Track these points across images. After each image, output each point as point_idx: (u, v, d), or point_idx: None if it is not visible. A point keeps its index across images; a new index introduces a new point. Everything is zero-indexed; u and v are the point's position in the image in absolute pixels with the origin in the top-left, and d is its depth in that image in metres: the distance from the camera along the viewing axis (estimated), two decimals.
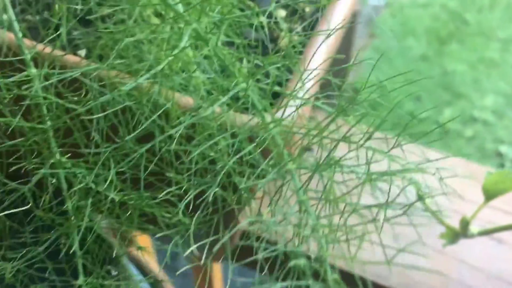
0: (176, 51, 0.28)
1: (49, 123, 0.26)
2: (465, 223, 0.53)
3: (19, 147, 0.28)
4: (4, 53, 0.31)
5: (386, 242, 0.74)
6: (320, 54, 0.34)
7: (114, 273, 0.29)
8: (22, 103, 0.27)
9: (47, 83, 0.26)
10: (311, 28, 0.44)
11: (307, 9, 0.46)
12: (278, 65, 0.29)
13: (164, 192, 0.26)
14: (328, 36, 0.32)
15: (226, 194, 0.25)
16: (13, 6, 0.35)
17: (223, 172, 0.24)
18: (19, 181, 0.28)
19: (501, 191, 0.50)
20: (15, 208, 0.27)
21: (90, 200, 0.26)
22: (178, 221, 0.29)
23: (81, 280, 0.28)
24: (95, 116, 0.25)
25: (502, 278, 0.70)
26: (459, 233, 0.54)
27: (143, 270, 0.76)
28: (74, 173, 0.27)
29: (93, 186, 0.26)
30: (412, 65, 3.04)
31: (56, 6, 0.31)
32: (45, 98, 0.26)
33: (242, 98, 0.27)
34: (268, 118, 0.25)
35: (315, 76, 0.31)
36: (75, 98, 0.28)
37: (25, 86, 0.27)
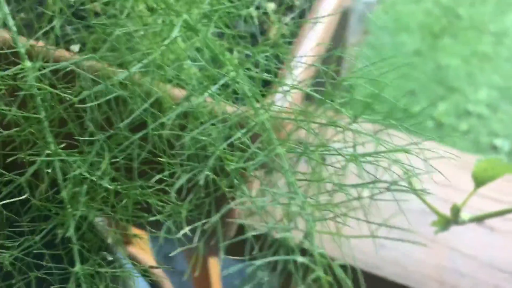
0: (167, 41, 0.29)
1: (43, 113, 0.27)
2: (456, 210, 0.54)
3: (15, 138, 0.29)
4: (0, 47, 0.32)
5: (378, 232, 0.75)
6: (309, 42, 0.35)
7: (109, 258, 0.30)
8: (17, 93, 0.27)
9: (40, 72, 0.27)
10: (300, 19, 0.45)
11: (297, 1, 0.47)
12: (267, 54, 0.29)
13: (157, 177, 0.27)
14: (315, 23, 0.33)
15: (218, 179, 0.26)
16: (8, 3, 0.36)
17: (213, 157, 0.25)
18: (16, 172, 0.29)
19: (491, 178, 0.51)
20: (12, 199, 0.27)
21: (84, 188, 0.27)
22: (171, 209, 0.30)
23: (77, 267, 0.29)
24: (88, 105, 0.26)
25: (495, 266, 0.71)
26: (450, 220, 0.54)
27: (141, 268, 0.76)
28: (69, 163, 0.28)
29: (87, 175, 0.27)
30: (406, 61, 3.06)
31: (50, 0, 0.31)
32: (39, 89, 0.27)
33: (232, 87, 0.28)
34: (257, 104, 0.26)
35: (304, 64, 0.31)
36: (69, 90, 0.28)
37: (20, 78, 0.28)
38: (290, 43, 0.39)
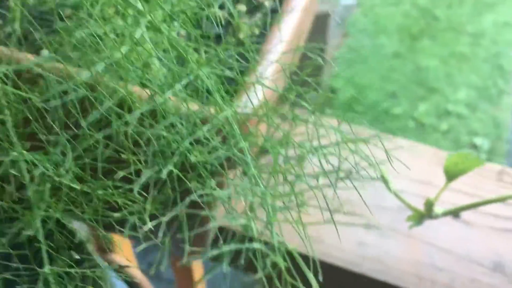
0: (131, 42, 0.29)
1: (7, 113, 0.27)
2: (429, 205, 0.55)
3: None
4: None
5: (358, 230, 0.76)
6: (277, 41, 0.35)
7: (76, 257, 0.30)
8: None
9: (2, 71, 0.27)
10: (270, 20, 0.46)
11: (266, 3, 0.47)
12: (232, 52, 0.30)
13: (121, 175, 0.27)
14: (283, 23, 0.34)
15: (183, 174, 0.26)
16: None
17: (177, 152, 0.25)
18: None
19: (461, 171, 0.52)
20: None
21: (48, 187, 0.27)
22: (137, 207, 0.30)
23: (46, 268, 0.29)
24: (52, 104, 0.26)
25: (471, 259, 0.72)
26: (424, 214, 0.55)
27: (124, 275, 0.76)
28: (34, 163, 0.28)
29: (51, 174, 0.27)
30: (385, 63, 3.09)
31: (12, 3, 0.32)
32: (3, 90, 0.27)
33: (196, 84, 0.28)
34: (220, 101, 0.27)
35: (271, 62, 0.32)
36: (33, 92, 0.28)
37: None
38: (258, 43, 0.40)
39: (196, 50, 0.33)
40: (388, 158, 0.32)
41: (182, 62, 0.32)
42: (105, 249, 0.44)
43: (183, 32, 0.41)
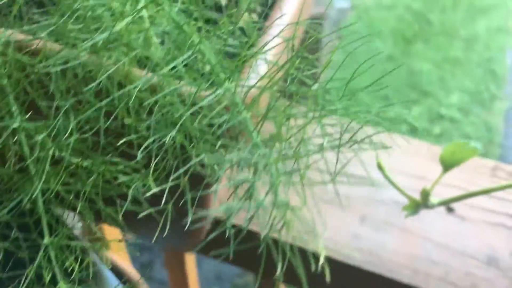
0: (132, 15, 0.29)
1: (5, 81, 0.27)
2: (425, 194, 0.55)
3: None
4: None
5: (353, 222, 0.76)
6: (281, 16, 0.35)
7: (77, 226, 0.30)
8: None
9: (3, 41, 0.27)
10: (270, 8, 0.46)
11: None
12: (234, 27, 0.30)
13: (123, 140, 0.27)
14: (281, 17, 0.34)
15: (185, 143, 0.26)
16: None
17: (181, 121, 0.25)
18: None
19: (458, 161, 0.52)
20: None
21: (48, 158, 0.26)
22: (142, 184, 0.30)
23: (46, 239, 0.28)
24: (54, 69, 0.26)
25: (466, 253, 0.72)
26: (420, 203, 0.55)
27: (118, 272, 0.76)
28: (34, 131, 0.28)
29: (50, 145, 0.27)
30: (379, 66, 3.10)
31: None
32: (3, 54, 0.27)
33: (198, 58, 0.28)
34: (222, 75, 0.27)
35: (275, 37, 0.32)
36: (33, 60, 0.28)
37: None
38: (260, 29, 0.40)
39: (197, 28, 0.33)
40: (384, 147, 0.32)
41: (182, 41, 0.32)
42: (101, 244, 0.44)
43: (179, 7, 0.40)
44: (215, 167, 0.26)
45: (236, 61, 0.28)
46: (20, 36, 0.33)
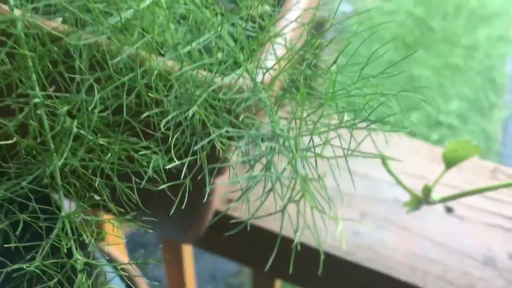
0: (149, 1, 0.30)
1: (30, 55, 0.27)
2: (427, 190, 0.56)
3: (2, 86, 0.29)
4: None
5: (353, 219, 0.77)
6: (292, 12, 0.36)
7: (97, 198, 0.30)
8: (6, 41, 0.28)
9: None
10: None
11: None
12: (252, 12, 0.30)
13: (145, 114, 0.27)
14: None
15: (205, 119, 0.27)
16: None
17: (202, 97, 0.25)
18: (5, 118, 0.29)
19: (460, 158, 0.53)
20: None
21: (69, 134, 0.27)
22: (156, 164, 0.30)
23: (63, 212, 0.29)
24: (77, 43, 0.26)
25: (464, 252, 0.73)
26: (421, 199, 0.56)
27: (116, 266, 0.76)
28: (55, 107, 0.28)
29: (69, 123, 0.28)
30: (379, 71, 3.10)
31: None
32: (26, 35, 0.28)
33: (216, 41, 0.29)
34: (241, 56, 0.27)
35: (291, 21, 0.32)
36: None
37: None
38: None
39: (214, 10, 0.34)
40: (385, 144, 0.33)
41: (200, 24, 0.33)
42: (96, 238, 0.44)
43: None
44: (234, 142, 0.26)
45: (254, 43, 0.29)
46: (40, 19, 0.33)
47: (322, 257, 0.29)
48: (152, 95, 0.27)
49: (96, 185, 0.30)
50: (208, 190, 0.26)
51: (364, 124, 0.27)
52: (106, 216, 0.34)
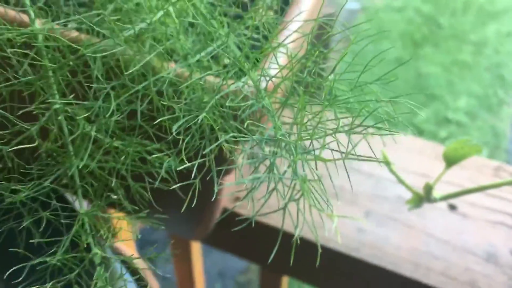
0: (163, 11, 0.32)
1: (50, 66, 0.29)
2: (428, 188, 0.57)
3: (25, 94, 0.32)
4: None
5: (358, 216, 0.79)
6: (299, 12, 0.37)
7: (114, 197, 0.32)
8: (28, 52, 0.30)
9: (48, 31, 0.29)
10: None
11: None
12: (256, 23, 0.32)
13: (158, 120, 0.29)
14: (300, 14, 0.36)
15: (213, 124, 0.29)
16: None
17: (211, 103, 0.27)
18: (27, 123, 0.31)
19: (460, 157, 0.55)
20: (22, 150, 0.30)
21: (86, 138, 0.29)
22: (168, 165, 0.32)
23: (82, 210, 0.31)
24: (95, 55, 0.28)
25: (466, 249, 0.75)
26: (423, 197, 0.58)
27: (125, 261, 0.78)
28: (74, 113, 0.30)
29: (88, 129, 0.30)
30: (387, 68, 3.10)
31: None
32: (47, 46, 0.30)
33: (224, 51, 0.31)
34: (246, 65, 0.29)
35: (293, 32, 0.34)
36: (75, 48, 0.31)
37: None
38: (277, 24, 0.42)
39: (221, 22, 0.36)
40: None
41: (208, 34, 0.35)
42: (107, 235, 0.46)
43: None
44: (239, 145, 0.28)
45: (258, 52, 0.31)
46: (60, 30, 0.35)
47: (320, 250, 0.31)
48: (165, 103, 0.29)
49: (112, 185, 0.32)
50: (216, 189, 0.28)
51: (360, 129, 0.29)
52: (119, 215, 0.36)
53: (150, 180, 0.32)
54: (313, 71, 0.30)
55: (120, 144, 0.32)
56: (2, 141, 0.31)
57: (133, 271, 0.61)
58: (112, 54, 0.30)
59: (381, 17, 3.29)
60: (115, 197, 0.32)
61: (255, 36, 0.36)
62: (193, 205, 0.33)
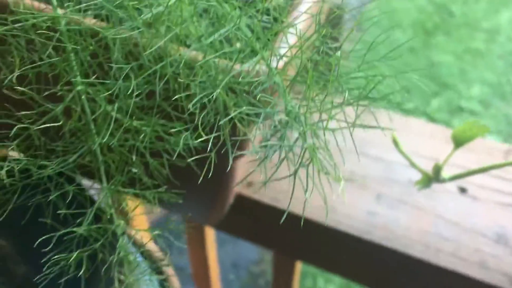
0: None
1: (71, 48, 0.31)
2: (437, 169, 0.59)
3: (50, 76, 0.33)
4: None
5: (369, 199, 0.80)
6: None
7: (134, 170, 0.34)
8: (50, 35, 0.32)
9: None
10: None
11: None
12: (266, 5, 0.34)
13: (176, 96, 0.31)
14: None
15: (227, 99, 0.30)
16: None
17: (224, 81, 0.29)
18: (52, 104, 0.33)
19: (468, 138, 0.56)
20: (47, 129, 0.32)
21: (109, 118, 0.31)
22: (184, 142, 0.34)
23: (105, 184, 0.34)
24: (114, 36, 0.30)
25: (476, 230, 0.76)
26: (432, 178, 0.59)
27: (142, 250, 0.80)
28: (96, 93, 0.32)
29: (109, 109, 0.32)
30: (399, 57, 3.09)
31: None
32: (68, 30, 0.32)
33: (236, 33, 0.33)
34: (258, 45, 0.31)
35: (303, 13, 0.35)
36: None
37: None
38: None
39: (232, 5, 0.37)
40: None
41: (221, 17, 0.37)
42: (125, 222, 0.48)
43: None
44: (253, 118, 0.30)
45: (269, 33, 0.32)
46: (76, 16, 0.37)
47: (326, 221, 0.32)
48: (181, 80, 0.31)
49: (133, 160, 0.34)
50: (231, 161, 0.29)
51: (366, 102, 0.30)
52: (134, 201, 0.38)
53: (168, 157, 0.34)
54: (321, 49, 0.32)
55: (139, 123, 0.34)
56: (30, 120, 0.33)
57: (153, 263, 0.63)
58: (130, 37, 0.32)
59: (393, 6, 3.28)
60: (135, 171, 0.34)
61: (267, 18, 0.38)
62: (208, 180, 0.34)
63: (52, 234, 0.32)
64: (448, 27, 3.27)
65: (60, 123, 0.33)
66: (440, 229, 0.75)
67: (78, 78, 0.33)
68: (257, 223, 0.88)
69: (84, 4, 0.35)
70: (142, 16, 0.31)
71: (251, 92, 0.30)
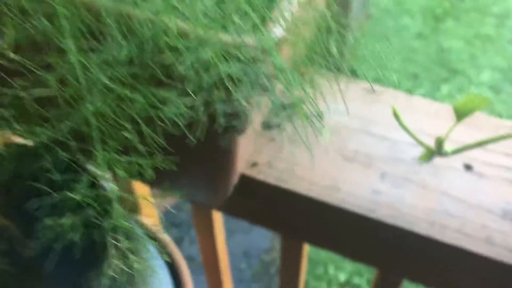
0: None
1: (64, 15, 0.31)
2: (439, 142, 0.58)
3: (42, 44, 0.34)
4: None
5: (373, 178, 0.80)
6: None
7: (127, 135, 0.35)
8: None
9: None
10: None
11: None
12: None
13: (168, 55, 0.31)
14: None
15: (218, 60, 0.30)
16: None
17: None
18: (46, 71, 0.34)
19: (470, 111, 0.56)
20: (42, 96, 0.32)
21: (99, 86, 0.31)
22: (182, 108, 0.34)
23: (100, 153, 0.34)
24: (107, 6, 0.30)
25: (482, 207, 0.75)
26: (434, 151, 0.59)
27: (150, 235, 0.80)
28: (88, 67, 0.33)
29: (102, 77, 0.32)
30: (408, 44, 3.08)
31: None
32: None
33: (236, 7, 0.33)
34: (256, 21, 0.31)
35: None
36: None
37: None
38: None
39: None
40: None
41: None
42: (134, 210, 0.49)
43: None
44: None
45: (268, 10, 0.32)
46: None
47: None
48: (171, 40, 0.31)
49: (126, 127, 0.34)
50: (220, 122, 0.29)
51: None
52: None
53: (162, 125, 0.34)
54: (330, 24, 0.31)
55: (132, 91, 0.34)
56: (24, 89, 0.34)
57: (161, 247, 0.62)
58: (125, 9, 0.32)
59: None
60: (128, 136, 0.34)
61: None
62: (208, 157, 0.34)
63: (48, 201, 0.33)
64: (457, 12, 3.24)
65: (53, 91, 0.33)
66: (446, 206, 0.74)
67: (71, 46, 0.33)
68: (262, 205, 0.89)
69: None
70: None
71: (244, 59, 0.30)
